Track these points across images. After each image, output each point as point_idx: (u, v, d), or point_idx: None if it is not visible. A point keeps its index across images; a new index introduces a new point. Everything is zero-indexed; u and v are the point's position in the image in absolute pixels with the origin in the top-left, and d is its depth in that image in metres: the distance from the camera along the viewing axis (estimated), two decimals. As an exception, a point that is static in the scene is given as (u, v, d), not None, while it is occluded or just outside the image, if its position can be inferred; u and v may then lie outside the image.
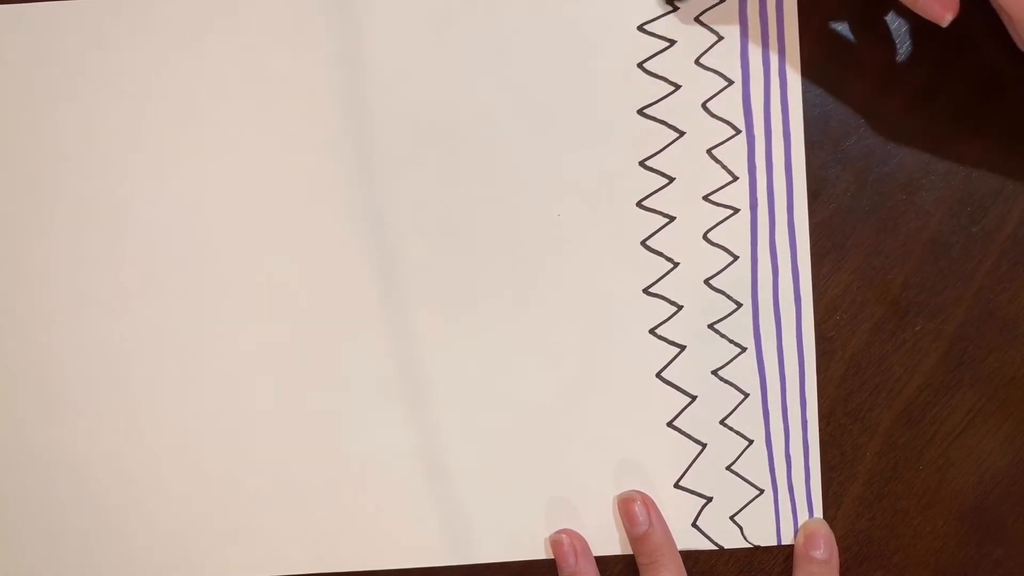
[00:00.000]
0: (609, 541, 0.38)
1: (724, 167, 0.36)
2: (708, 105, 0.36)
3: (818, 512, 0.37)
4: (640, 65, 0.35)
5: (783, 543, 0.37)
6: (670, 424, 0.37)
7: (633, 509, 0.36)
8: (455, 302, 0.37)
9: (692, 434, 0.37)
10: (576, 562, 0.37)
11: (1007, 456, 0.37)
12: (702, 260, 0.36)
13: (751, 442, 0.37)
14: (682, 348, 0.37)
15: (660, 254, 0.36)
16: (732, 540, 0.37)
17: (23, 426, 0.38)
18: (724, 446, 0.37)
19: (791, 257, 0.36)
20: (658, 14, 0.35)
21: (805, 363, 0.36)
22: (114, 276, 0.37)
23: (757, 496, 0.37)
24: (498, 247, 0.36)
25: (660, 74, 0.35)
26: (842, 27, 0.35)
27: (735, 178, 0.36)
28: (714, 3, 0.35)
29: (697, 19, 0.35)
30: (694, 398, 0.37)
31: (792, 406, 0.37)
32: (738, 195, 0.36)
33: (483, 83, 0.36)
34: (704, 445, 0.37)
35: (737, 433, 0.37)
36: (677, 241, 0.36)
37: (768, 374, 0.36)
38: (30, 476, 0.38)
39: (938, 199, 0.36)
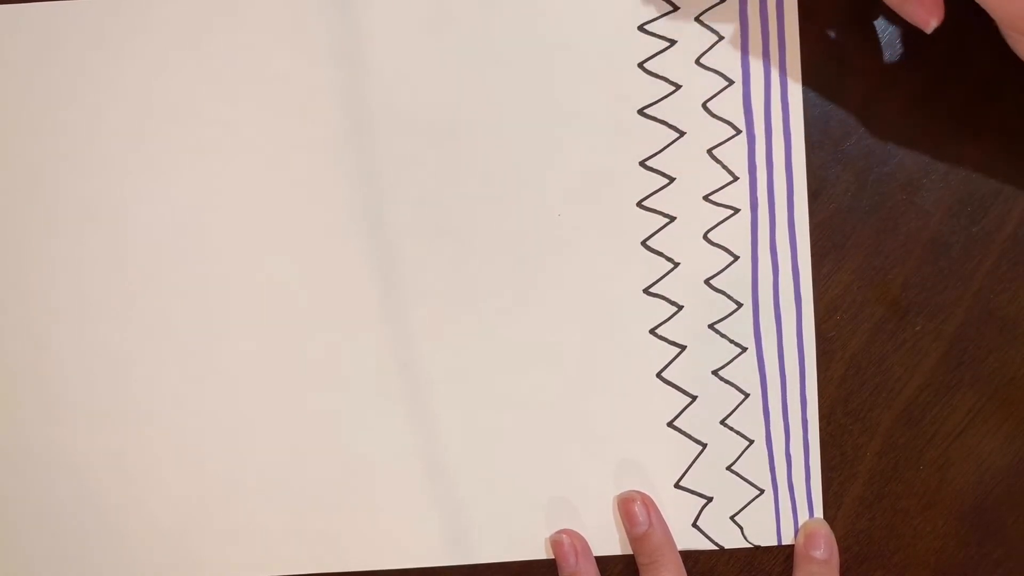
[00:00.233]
0: (609, 541, 0.38)
1: (724, 167, 0.36)
2: (708, 105, 0.35)
3: (818, 512, 0.37)
4: (640, 65, 0.35)
5: (783, 543, 0.37)
6: (670, 424, 0.37)
7: (633, 509, 0.36)
8: (455, 302, 0.37)
9: (692, 434, 0.37)
10: (576, 562, 0.37)
11: (1007, 456, 0.37)
12: (702, 260, 0.36)
13: (751, 442, 0.37)
14: (682, 348, 0.37)
15: (660, 254, 0.36)
16: (732, 540, 0.37)
17: (23, 426, 0.38)
18: (724, 446, 0.37)
19: (791, 257, 0.36)
20: (658, 14, 0.35)
21: (805, 363, 0.36)
22: (113, 276, 0.37)
23: (757, 496, 0.37)
24: (498, 247, 0.36)
25: (660, 74, 0.35)
26: (842, 27, 0.35)
27: (735, 178, 0.36)
28: (714, 3, 0.35)
29: (697, 19, 0.35)
30: (694, 398, 0.37)
31: (792, 406, 0.37)
32: (738, 195, 0.36)
33: (483, 83, 0.36)
34: (704, 445, 0.37)
35: (737, 433, 0.37)
36: (677, 241, 0.36)
37: (768, 374, 0.36)
38: (30, 476, 0.38)
39: (938, 199, 0.36)
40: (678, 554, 0.37)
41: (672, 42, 0.35)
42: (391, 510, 0.38)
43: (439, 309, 0.37)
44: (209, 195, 0.36)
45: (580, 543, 0.37)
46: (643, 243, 0.36)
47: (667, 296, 0.36)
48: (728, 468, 0.37)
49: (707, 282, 0.36)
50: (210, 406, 0.37)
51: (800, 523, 0.37)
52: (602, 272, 0.36)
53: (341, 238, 0.36)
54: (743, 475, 0.37)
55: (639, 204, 0.36)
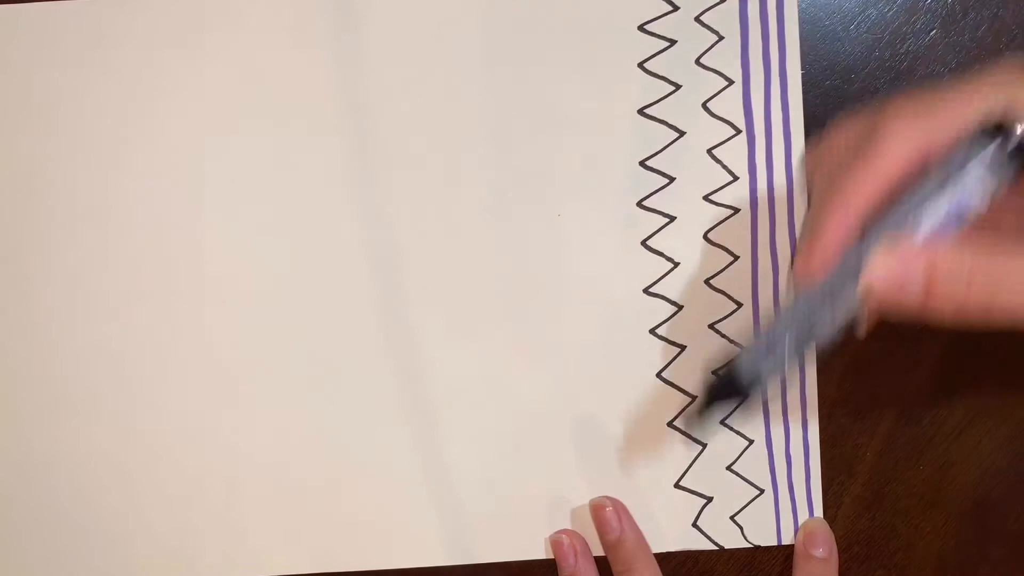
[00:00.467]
0: (609, 541, 0.38)
1: (724, 167, 0.36)
2: (708, 105, 0.35)
3: (818, 512, 0.37)
4: (640, 65, 0.35)
5: (783, 543, 0.37)
6: (670, 424, 0.37)
7: (605, 515, 0.36)
8: (455, 302, 0.37)
9: (692, 434, 0.37)
10: (576, 562, 0.37)
11: (1007, 456, 0.37)
12: (702, 260, 0.36)
13: (751, 442, 0.37)
14: (682, 348, 0.37)
15: (660, 254, 0.36)
16: (732, 540, 0.37)
17: (23, 426, 0.38)
18: (724, 446, 0.37)
19: (791, 257, 0.36)
20: (658, 14, 0.35)
21: (805, 363, 0.36)
22: (113, 276, 0.37)
23: (757, 496, 0.37)
24: (498, 247, 0.36)
25: (660, 74, 0.35)
26: (842, 27, 0.35)
27: (735, 178, 0.36)
28: (714, 3, 0.35)
29: (697, 19, 0.35)
30: (694, 398, 0.37)
31: (792, 406, 0.37)
32: (738, 195, 0.36)
33: (483, 83, 0.36)
34: (704, 445, 0.37)
35: (737, 433, 0.37)
36: (677, 241, 0.36)
37: (768, 374, 0.36)
38: (30, 476, 0.38)
39: (938, 199, 0.36)
40: (654, 559, 0.36)
41: (672, 42, 0.35)
42: (391, 510, 0.38)
43: (439, 309, 0.37)
44: (209, 195, 0.36)
45: (580, 543, 0.37)
46: (643, 243, 0.36)
47: (667, 296, 0.36)
48: (728, 468, 0.37)
49: (707, 282, 0.36)
50: (209, 406, 0.37)
51: (800, 523, 0.37)
52: (602, 272, 0.36)
53: (341, 238, 0.36)
54: (743, 475, 0.37)
55: (639, 204, 0.36)
